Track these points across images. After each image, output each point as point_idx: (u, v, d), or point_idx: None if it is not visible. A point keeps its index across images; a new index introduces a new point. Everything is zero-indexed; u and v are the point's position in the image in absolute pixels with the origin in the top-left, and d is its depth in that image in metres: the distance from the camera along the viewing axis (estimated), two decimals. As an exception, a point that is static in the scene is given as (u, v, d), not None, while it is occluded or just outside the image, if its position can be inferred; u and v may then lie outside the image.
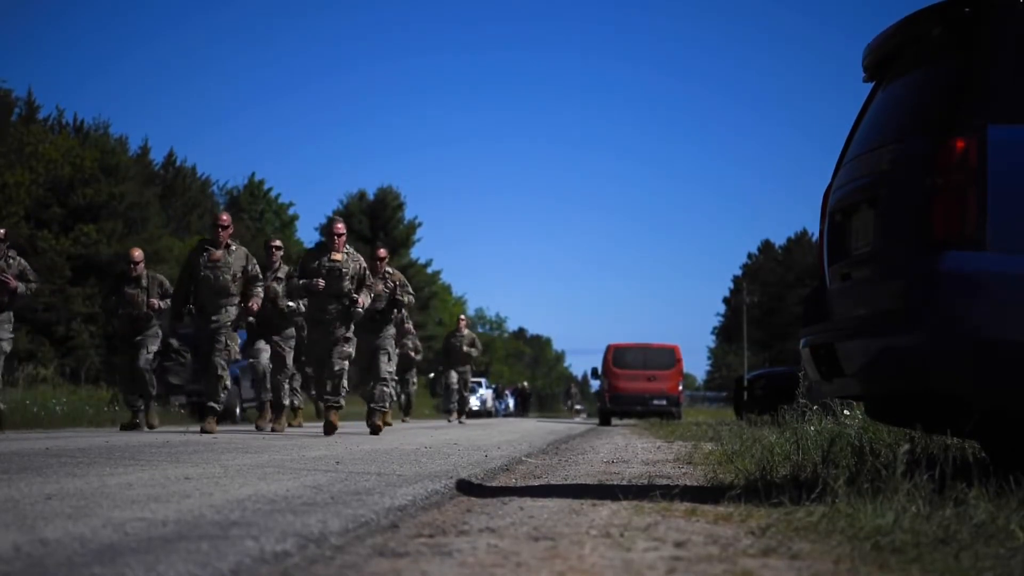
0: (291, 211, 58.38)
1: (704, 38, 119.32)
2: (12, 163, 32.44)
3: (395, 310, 11.99)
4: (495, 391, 48.45)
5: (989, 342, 3.44)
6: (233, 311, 10.71)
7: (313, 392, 14.64)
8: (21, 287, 11.16)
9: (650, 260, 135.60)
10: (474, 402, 44.47)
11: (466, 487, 4.50)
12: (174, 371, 14.99)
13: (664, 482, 4.83)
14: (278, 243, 12.59)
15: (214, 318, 10.54)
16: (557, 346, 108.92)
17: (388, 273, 12.23)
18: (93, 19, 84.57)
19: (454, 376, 19.79)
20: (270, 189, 57.52)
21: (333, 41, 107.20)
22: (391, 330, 11.72)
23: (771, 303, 67.90)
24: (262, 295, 10.95)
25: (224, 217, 11.16)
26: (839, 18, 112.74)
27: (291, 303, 11.66)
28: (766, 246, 75.75)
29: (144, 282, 11.79)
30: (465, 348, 19.59)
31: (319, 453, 6.55)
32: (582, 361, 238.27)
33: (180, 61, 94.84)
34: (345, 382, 10.36)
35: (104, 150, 36.13)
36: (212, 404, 10.66)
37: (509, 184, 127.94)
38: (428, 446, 7.95)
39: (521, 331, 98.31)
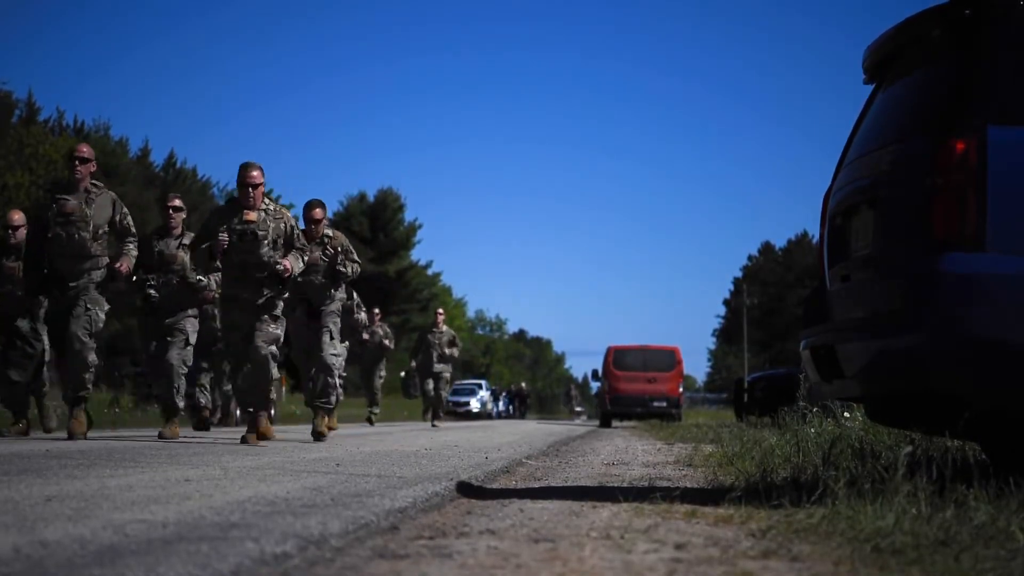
0: (291, 212, 58.44)
1: (704, 39, 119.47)
2: (12, 164, 32.45)
3: (336, 285, 9.71)
4: (493, 393, 48.37)
5: (989, 342, 3.44)
6: (98, 276, 8.37)
7: (228, 388, 13.35)
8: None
9: (650, 261, 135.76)
10: (474, 404, 44.56)
11: (466, 489, 4.49)
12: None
13: (664, 484, 4.82)
14: (177, 202, 9.70)
15: (72, 285, 8.31)
16: (557, 348, 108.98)
17: (328, 237, 9.81)
18: (93, 20, 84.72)
19: (430, 383, 17.68)
20: (271, 191, 57.55)
21: (333, 41, 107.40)
22: (334, 306, 9.61)
23: (771, 304, 67.94)
24: (135, 255, 8.60)
25: (83, 149, 8.55)
26: (839, 19, 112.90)
27: (201, 277, 9.48)
28: (766, 247, 75.83)
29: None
30: (447, 350, 17.65)
31: (319, 455, 6.55)
32: (582, 363, 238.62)
33: (180, 62, 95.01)
34: (273, 370, 8.16)
35: (104, 151, 36.13)
36: (80, 395, 8.37)
37: (509, 185, 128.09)
38: (428, 448, 7.95)
39: (521, 333, 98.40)
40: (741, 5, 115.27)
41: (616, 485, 4.91)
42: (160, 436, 8.91)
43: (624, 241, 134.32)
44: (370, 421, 17.06)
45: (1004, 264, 3.44)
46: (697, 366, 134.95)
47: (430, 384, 17.55)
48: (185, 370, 9.58)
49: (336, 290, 9.68)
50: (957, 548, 2.62)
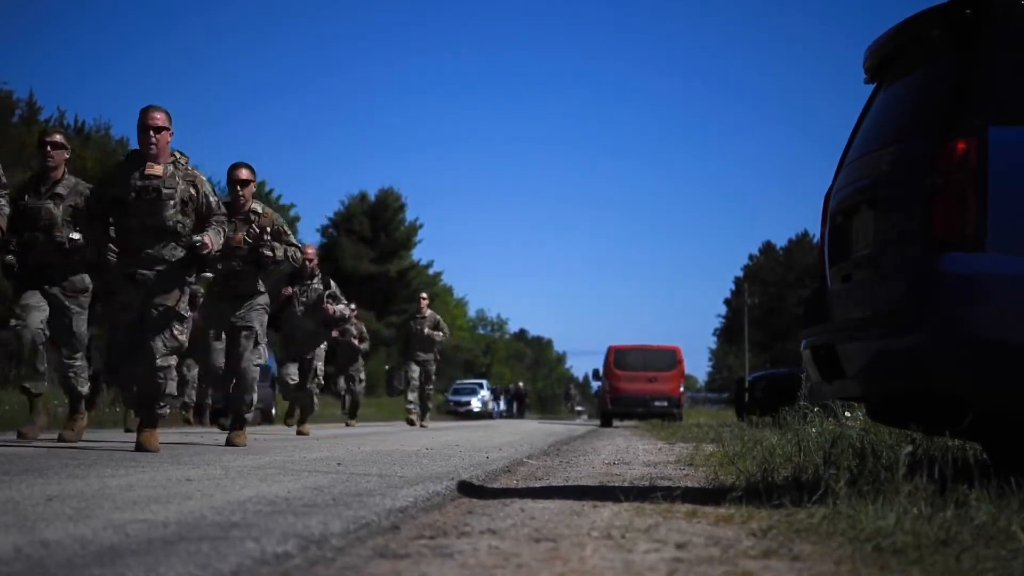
0: (292, 212, 58.46)
1: (705, 39, 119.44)
2: (13, 164, 32.44)
3: (262, 270, 8.07)
4: (493, 392, 48.29)
5: (989, 343, 3.44)
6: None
7: (104, 380, 12.65)
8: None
9: (651, 261, 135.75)
10: (475, 404, 44.57)
11: (467, 488, 4.50)
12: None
13: (665, 483, 4.83)
14: (59, 138, 7.65)
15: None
16: (558, 347, 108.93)
17: (256, 214, 8.04)
18: (94, 20, 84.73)
19: (415, 369, 15.88)
20: (271, 191, 57.56)
21: (333, 41, 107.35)
22: (261, 300, 7.97)
23: (772, 304, 67.91)
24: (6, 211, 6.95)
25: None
26: (840, 19, 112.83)
27: (74, 234, 7.30)
28: (767, 247, 75.79)
29: None
30: (427, 331, 15.92)
31: (320, 455, 6.55)
32: (583, 362, 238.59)
33: (180, 62, 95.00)
34: (170, 385, 6.58)
35: (105, 151, 36.13)
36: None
37: (510, 185, 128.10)
38: (429, 448, 7.95)
39: (522, 332, 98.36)
40: (741, 5, 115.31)
41: (617, 485, 4.91)
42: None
43: (625, 240, 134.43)
44: (348, 423, 16.63)
45: (1004, 264, 3.44)
46: (698, 366, 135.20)
47: (415, 372, 15.91)
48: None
49: (262, 280, 8.08)
50: (958, 548, 2.62)
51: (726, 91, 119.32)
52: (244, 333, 7.81)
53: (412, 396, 15.88)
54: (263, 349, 8.05)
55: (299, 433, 11.27)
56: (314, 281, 11.49)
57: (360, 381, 17.12)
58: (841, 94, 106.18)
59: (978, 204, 3.49)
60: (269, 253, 7.95)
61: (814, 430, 6.55)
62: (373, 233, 55.01)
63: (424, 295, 17.28)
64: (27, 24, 69.87)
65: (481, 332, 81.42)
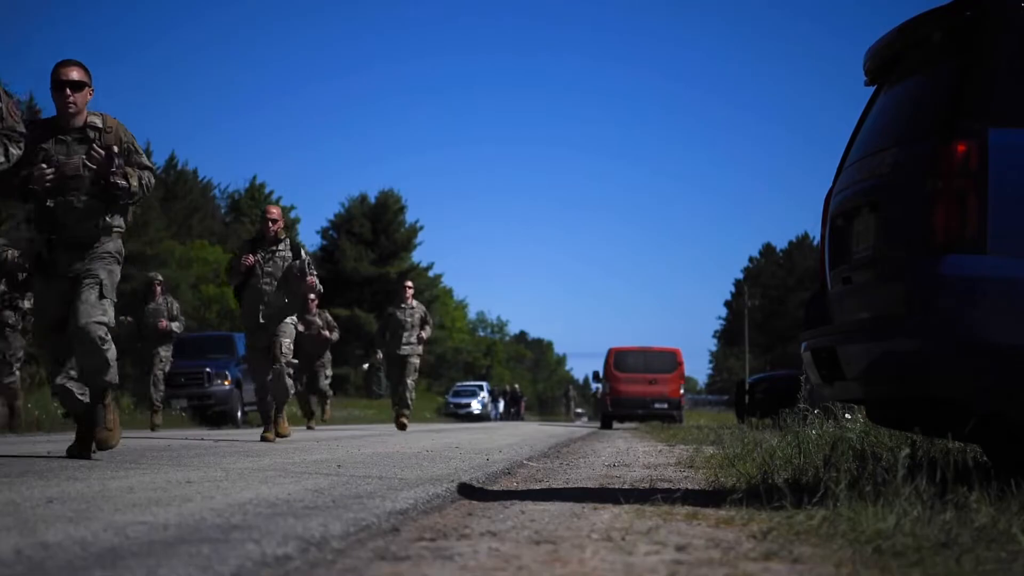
0: (292, 214, 58.46)
1: (705, 42, 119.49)
2: (13, 166, 32.42)
3: (112, 210, 6.03)
4: (490, 394, 48.20)
5: (989, 345, 3.44)
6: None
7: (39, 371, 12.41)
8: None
9: (651, 263, 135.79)
10: (475, 406, 44.57)
11: (467, 491, 4.50)
12: None
13: (665, 486, 4.82)
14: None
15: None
16: (558, 349, 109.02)
17: (95, 130, 6.03)
18: (94, 21, 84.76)
19: (394, 370, 14.37)
20: (271, 192, 57.56)
21: (334, 43, 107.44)
22: (110, 246, 6.04)
23: (772, 306, 67.95)
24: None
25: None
26: (840, 22, 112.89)
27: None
28: (767, 249, 75.83)
29: None
30: (417, 331, 14.28)
31: (320, 456, 6.55)
32: (584, 365, 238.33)
33: (180, 63, 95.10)
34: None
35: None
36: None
37: (510, 187, 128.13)
38: (430, 449, 7.95)
39: (522, 334, 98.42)
40: (743, 8, 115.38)
41: (617, 487, 4.91)
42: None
43: (625, 243, 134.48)
44: (309, 427, 15.23)
45: (1005, 267, 3.44)
46: (698, 368, 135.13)
47: (394, 372, 14.36)
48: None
49: (112, 217, 6.06)
50: (958, 550, 2.62)
51: (726, 93, 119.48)
52: (87, 282, 5.86)
53: (397, 398, 14.28)
54: (109, 308, 5.90)
55: (264, 439, 9.51)
56: (280, 247, 9.73)
57: (327, 377, 16.13)
58: (841, 96, 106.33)
59: (979, 207, 3.49)
60: (123, 182, 5.96)
61: (814, 432, 6.55)
62: (373, 235, 55.03)
63: (409, 283, 15.11)
64: (27, 24, 69.95)
65: (481, 334, 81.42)
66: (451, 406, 44.51)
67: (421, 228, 58.39)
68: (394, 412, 14.36)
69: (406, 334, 14.20)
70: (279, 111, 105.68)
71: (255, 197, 56.42)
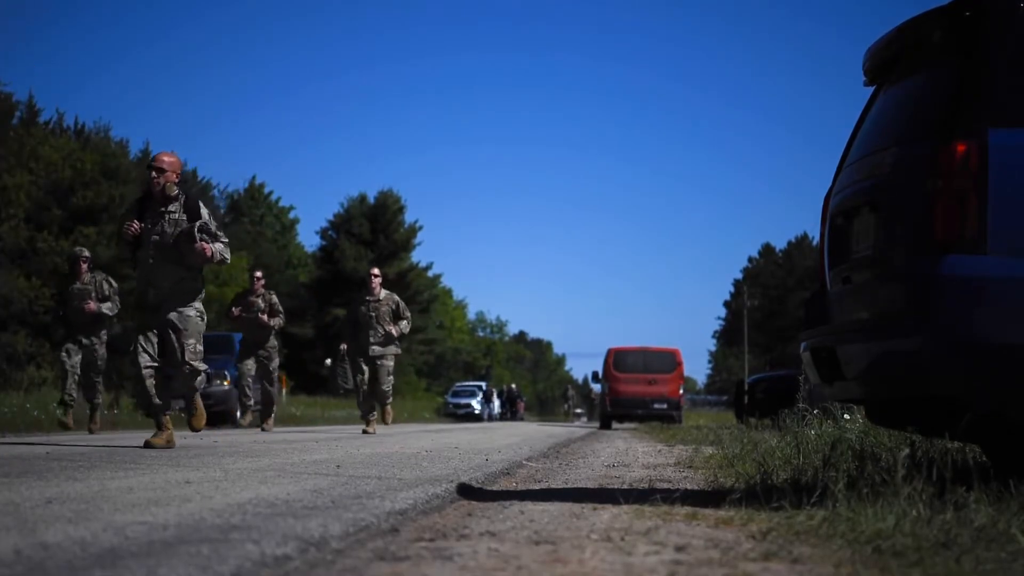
0: (292, 215, 58.44)
1: (705, 41, 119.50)
2: (12, 166, 32.46)
3: None
4: (485, 394, 48.07)
5: (989, 345, 3.44)
6: None
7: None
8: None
9: (651, 263, 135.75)
10: (475, 406, 44.55)
11: (467, 491, 4.50)
12: None
13: (665, 486, 4.82)
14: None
15: None
16: (558, 350, 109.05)
17: None
18: (94, 22, 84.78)
19: (365, 370, 12.35)
20: (270, 192, 57.56)
21: (333, 43, 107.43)
22: None
23: (772, 306, 67.93)
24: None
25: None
26: (840, 22, 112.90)
27: None
28: (767, 249, 75.79)
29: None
30: (387, 326, 12.27)
31: (320, 457, 6.55)
32: (583, 365, 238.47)
33: (181, 64, 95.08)
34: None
35: (105, 153, 36.15)
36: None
37: (510, 187, 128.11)
38: (429, 450, 7.95)
39: (522, 335, 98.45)
40: (742, 7, 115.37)
41: (616, 487, 4.91)
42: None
43: (624, 243, 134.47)
44: (263, 428, 13.39)
45: (1005, 267, 3.44)
46: (698, 368, 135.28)
47: (364, 372, 12.37)
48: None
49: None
50: (958, 550, 2.62)
51: (725, 93, 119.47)
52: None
53: (364, 399, 12.46)
54: None
55: (191, 428, 8.30)
56: (171, 208, 7.69)
57: (273, 370, 13.63)
58: (841, 96, 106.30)
59: (978, 206, 3.49)
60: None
61: (813, 432, 6.55)
62: (373, 235, 55.00)
63: (375, 270, 12.86)
64: (27, 25, 69.94)
65: (481, 334, 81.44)
66: (450, 406, 44.49)
67: (420, 228, 58.35)
68: (363, 412, 12.62)
69: (372, 332, 12.28)
70: (279, 111, 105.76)
71: (254, 197, 56.46)
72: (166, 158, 7.73)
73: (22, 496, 3.62)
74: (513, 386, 57.38)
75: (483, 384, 50.64)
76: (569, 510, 3.76)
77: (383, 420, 12.73)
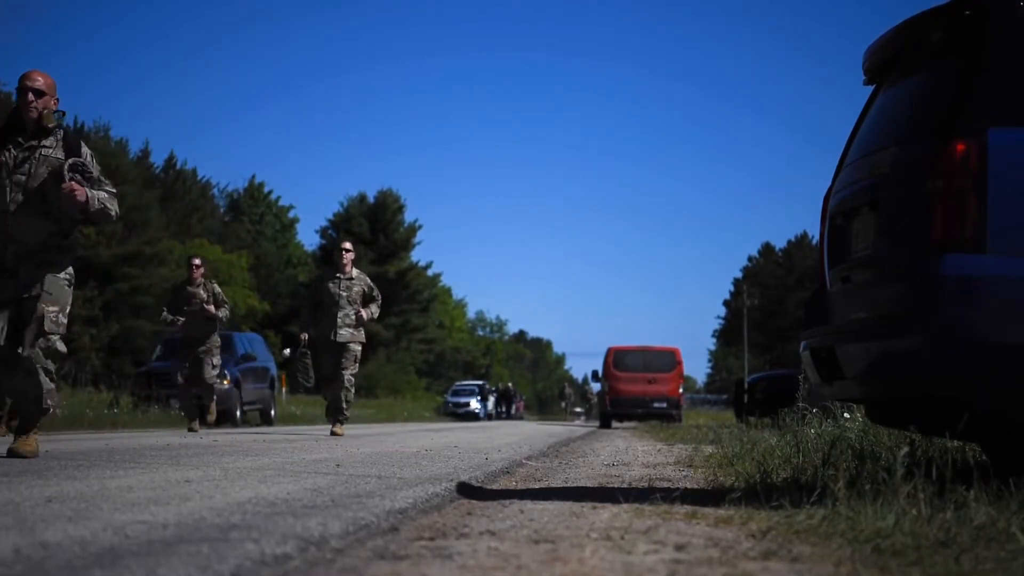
0: (291, 214, 58.43)
1: (705, 41, 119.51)
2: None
3: None
4: (480, 392, 47.95)
5: (989, 345, 3.44)
6: None
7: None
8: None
9: (651, 263, 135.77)
10: (475, 405, 44.56)
11: (466, 490, 4.50)
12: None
13: (664, 485, 4.83)
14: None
15: None
16: (558, 349, 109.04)
17: None
18: (93, 22, 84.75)
19: (328, 360, 10.99)
20: (270, 192, 57.56)
21: (333, 42, 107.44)
22: None
23: (771, 306, 67.91)
24: None
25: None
26: (840, 21, 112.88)
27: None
28: (766, 249, 75.79)
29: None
30: (357, 308, 10.98)
31: (319, 456, 6.55)
32: (583, 364, 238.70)
33: (180, 63, 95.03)
34: None
35: (104, 153, 36.16)
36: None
37: (510, 187, 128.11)
38: (428, 449, 7.95)
39: (521, 334, 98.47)
40: (741, 7, 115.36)
41: (616, 486, 4.91)
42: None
43: (624, 242, 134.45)
44: (192, 429, 12.05)
45: (1005, 266, 3.44)
46: (697, 367, 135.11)
47: (328, 364, 11.01)
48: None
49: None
50: (957, 549, 2.62)
51: (725, 93, 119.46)
52: None
53: (332, 398, 11.03)
54: None
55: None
56: (47, 142, 5.93)
57: (214, 366, 12.51)
58: (840, 95, 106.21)
59: (978, 206, 3.49)
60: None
61: (813, 431, 6.55)
62: (372, 234, 55.04)
63: (347, 244, 11.54)
64: (27, 24, 69.89)
65: (480, 333, 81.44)
66: (450, 405, 44.51)
67: (420, 227, 58.45)
68: (329, 419, 11.17)
69: (342, 313, 10.91)
70: (278, 111, 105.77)
71: (254, 196, 56.45)
72: (41, 79, 5.95)
73: (22, 495, 3.62)
74: (509, 384, 57.14)
75: (483, 383, 50.63)
76: (569, 509, 3.76)
77: (338, 417, 10.97)
